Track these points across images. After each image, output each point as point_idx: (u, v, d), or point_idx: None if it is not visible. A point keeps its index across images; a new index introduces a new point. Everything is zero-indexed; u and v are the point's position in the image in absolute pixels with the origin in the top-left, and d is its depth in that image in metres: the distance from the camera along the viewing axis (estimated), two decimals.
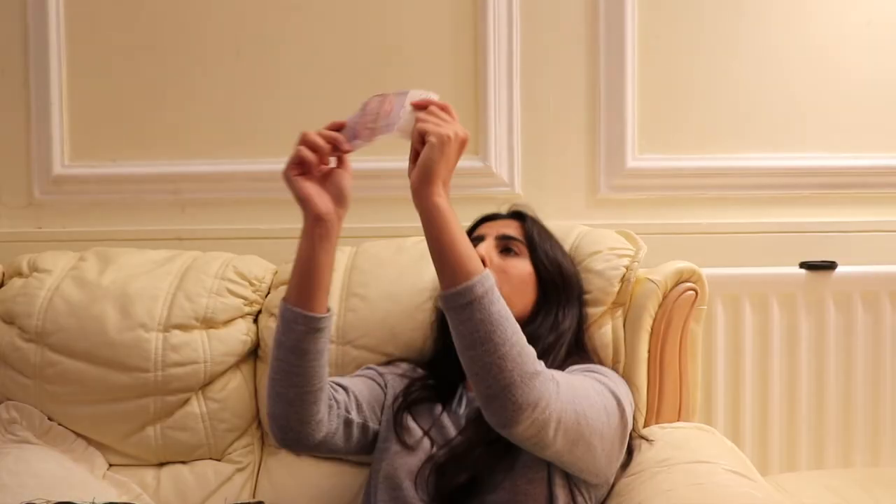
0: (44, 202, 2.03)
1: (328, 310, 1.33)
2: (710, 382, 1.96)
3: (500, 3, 1.98)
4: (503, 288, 1.44)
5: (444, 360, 1.51)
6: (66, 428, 1.70)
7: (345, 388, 1.44)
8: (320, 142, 1.29)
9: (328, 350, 1.35)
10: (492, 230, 1.55)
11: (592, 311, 1.61)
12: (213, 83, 2.02)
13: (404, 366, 1.59)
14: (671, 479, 1.37)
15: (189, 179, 2.02)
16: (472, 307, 1.18)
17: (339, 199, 1.33)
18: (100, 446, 1.71)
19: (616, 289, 1.62)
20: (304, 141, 1.29)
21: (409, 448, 1.40)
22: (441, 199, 1.23)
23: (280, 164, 1.99)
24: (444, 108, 1.27)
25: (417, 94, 1.29)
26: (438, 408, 1.46)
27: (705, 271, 1.68)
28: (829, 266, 1.98)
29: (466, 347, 1.19)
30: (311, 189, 1.30)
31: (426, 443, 1.41)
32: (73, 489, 1.49)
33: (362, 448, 1.47)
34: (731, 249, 2.00)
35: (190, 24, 2.01)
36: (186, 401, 1.69)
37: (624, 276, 1.62)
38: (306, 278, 1.31)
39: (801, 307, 1.97)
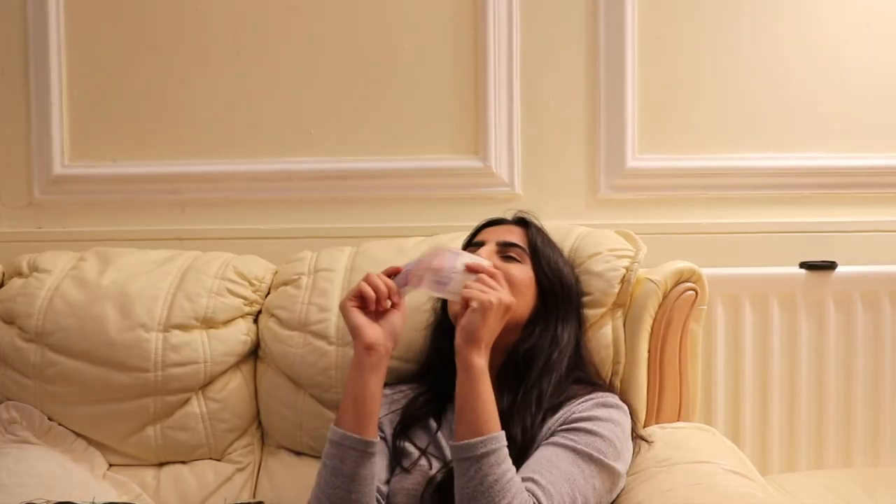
0: (44, 202, 2.03)
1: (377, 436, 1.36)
2: (710, 382, 1.96)
3: (500, 3, 1.97)
4: None
5: (439, 367, 1.50)
6: (66, 428, 1.70)
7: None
8: (381, 286, 1.36)
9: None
10: (494, 236, 1.54)
11: (592, 313, 1.61)
12: (213, 83, 2.02)
13: (394, 391, 1.56)
14: (671, 479, 1.37)
15: (189, 179, 2.02)
16: (480, 462, 1.23)
17: (390, 335, 1.37)
18: (100, 446, 1.71)
19: (616, 290, 1.62)
20: (368, 280, 1.37)
21: (407, 471, 1.40)
22: (480, 360, 1.30)
23: (280, 164, 2.02)
24: (493, 276, 1.35)
25: (470, 258, 1.39)
26: (433, 425, 1.46)
27: (705, 271, 1.68)
28: (829, 266, 1.98)
29: (464, 499, 1.24)
30: (364, 320, 1.35)
31: (424, 463, 1.40)
32: (73, 489, 1.49)
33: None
34: (731, 249, 1.99)
35: (190, 24, 2.01)
36: (186, 401, 1.69)
37: (624, 277, 1.62)
38: (360, 405, 1.33)
39: (801, 307, 1.97)
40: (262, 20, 2.01)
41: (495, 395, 1.41)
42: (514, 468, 1.26)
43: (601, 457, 1.32)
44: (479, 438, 1.24)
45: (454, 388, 1.41)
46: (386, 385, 1.53)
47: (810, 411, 1.98)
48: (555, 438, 1.34)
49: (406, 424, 1.47)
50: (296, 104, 2.02)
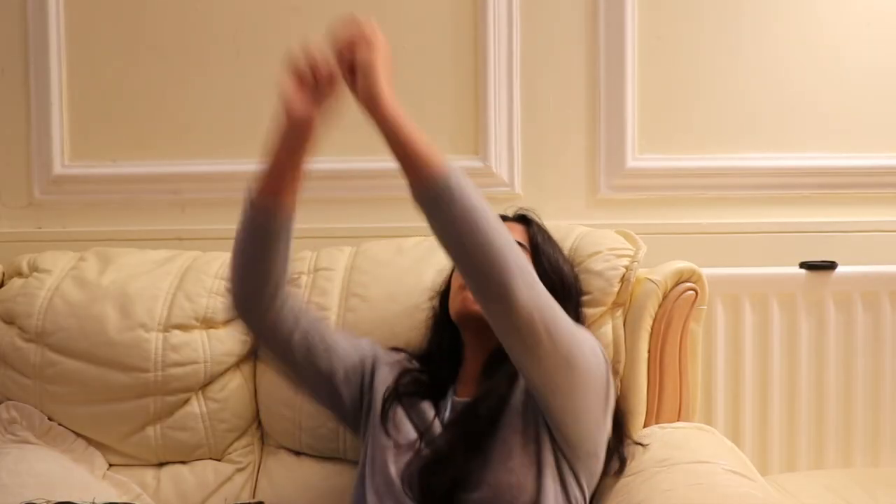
0: (44, 202, 2.03)
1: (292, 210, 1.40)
2: (710, 382, 1.96)
3: (500, 3, 1.97)
4: None
5: (438, 358, 1.51)
6: (66, 428, 1.70)
7: (313, 319, 1.48)
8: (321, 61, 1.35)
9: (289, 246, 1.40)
10: None
11: (592, 312, 1.61)
12: (213, 83, 2.02)
13: (402, 357, 1.57)
14: (671, 479, 1.37)
15: (189, 179, 2.02)
16: (446, 199, 1.22)
17: (321, 90, 1.37)
18: (100, 446, 1.71)
19: (616, 289, 1.62)
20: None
21: (398, 444, 1.41)
22: (393, 105, 1.29)
23: None
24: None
25: None
26: (429, 407, 1.45)
27: (705, 271, 1.68)
28: (829, 266, 1.98)
29: (450, 240, 1.23)
30: (298, 95, 1.37)
31: (414, 441, 1.40)
32: (73, 489, 1.49)
33: (317, 387, 1.51)
34: (731, 249, 1.99)
35: (190, 24, 2.01)
36: (186, 401, 1.69)
37: (623, 276, 1.62)
38: (282, 173, 1.39)
39: (801, 307, 1.97)
40: (262, 20, 2.01)
41: (477, 382, 1.45)
42: None
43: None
44: (448, 167, 1.24)
45: (451, 381, 1.44)
46: (400, 350, 1.58)
47: (810, 411, 1.98)
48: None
49: (402, 392, 1.47)
50: None
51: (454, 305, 1.47)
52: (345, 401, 1.51)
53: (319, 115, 1.36)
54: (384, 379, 1.50)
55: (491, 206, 1.24)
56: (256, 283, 1.40)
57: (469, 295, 1.41)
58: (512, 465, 1.33)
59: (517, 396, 1.39)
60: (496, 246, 1.21)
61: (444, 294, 1.58)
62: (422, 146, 1.26)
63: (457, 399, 1.46)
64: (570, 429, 1.35)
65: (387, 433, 1.42)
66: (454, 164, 1.24)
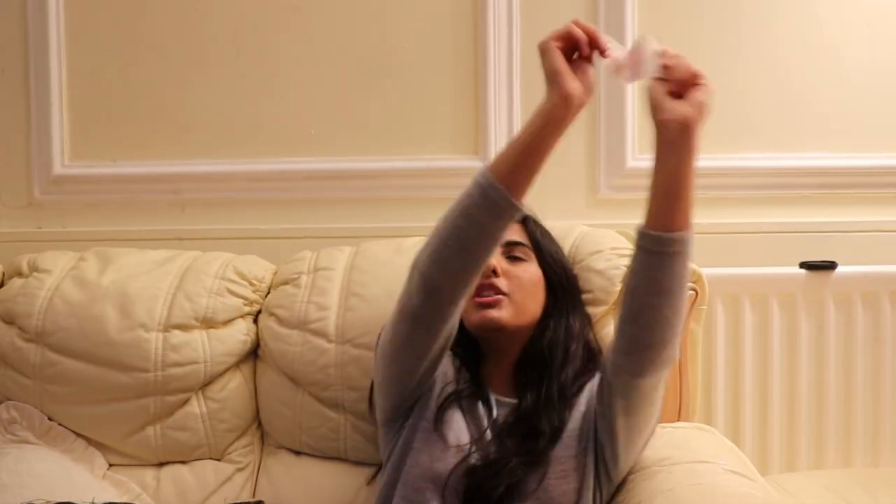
0: (44, 202, 2.03)
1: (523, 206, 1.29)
2: (710, 382, 1.96)
3: (500, 3, 1.97)
4: (517, 294, 1.44)
5: (462, 358, 1.48)
6: (66, 428, 1.70)
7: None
8: (592, 32, 1.23)
9: None
10: None
11: (594, 311, 1.61)
12: (213, 83, 2.02)
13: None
14: (671, 479, 1.37)
15: (189, 179, 2.02)
16: (680, 257, 1.21)
17: (588, 91, 1.24)
18: (100, 446, 1.71)
19: (617, 288, 1.62)
20: (578, 24, 1.24)
21: (447, 444, 1.36)
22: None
23: (280, 164, 2.02)
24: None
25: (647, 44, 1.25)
26: (482, 409, 1.42)
27: (705, 271, 1.68)
28: (829, 266, 1.98)
29: (655, 293, 1.21)
30: (566, 66, 1.23)
31: (466, 443, 1.37)
32: (73, 489, 1.49)
33: (427, 377, 1.41)
34: (731, 249, 1.99)
35: (190, 24, 2.01)
36: (186, 401, 1.69)
37: (625, 276, 1.62)
38: (527, 161, 1.26)
39: (801, 307, 1.97)
40: (262, 20, 2.01)
41: (514, 392, 1.43)
42: None
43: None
44: (692, 230, 1.23)
45: (480, 372, 1.44)
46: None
47: (810, 411, 1.98)
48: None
49: (460, 393, 1.42)
50: (296, 104, 2.02)
51: (471, 318, 1.44)
52: (417, 383, 1.43)
53: (587, 90, 1.24)
54: (443, 371, 1.44)
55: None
56: (466, 274, 1.29)
57: (490, 311, 1.41)
58: (562, 482, 1.33)
59: (576, 417, 1.38)
60: (680, 312, 1.25)
61: None
62: (691, 200, 1.25)
63: (500, 398, 1.43)
64: (630, 450, 1.36)
65: (437, 431, 1.38)
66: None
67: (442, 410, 1.40)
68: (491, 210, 1.24)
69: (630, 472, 1.42)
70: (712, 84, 1.23)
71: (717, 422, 1.94)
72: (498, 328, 1.42)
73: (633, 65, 1.23)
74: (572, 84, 1.22)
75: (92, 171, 2.03)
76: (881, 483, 1.83)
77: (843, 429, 1.98)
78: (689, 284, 1.63)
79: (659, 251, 1.20)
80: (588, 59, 1.25)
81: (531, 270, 1.49)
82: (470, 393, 1.43)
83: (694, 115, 1.21)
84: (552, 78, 1.23)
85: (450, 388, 1.43)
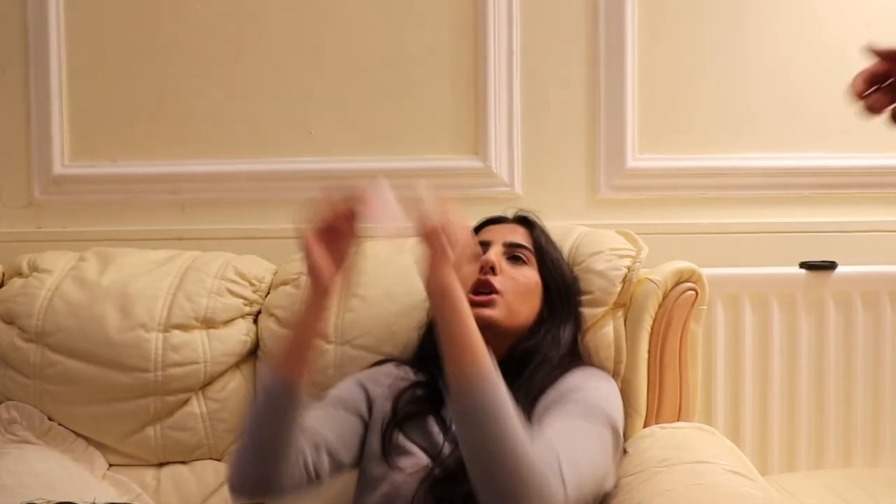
0: (44, 202, 2.03)
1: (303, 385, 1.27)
2: (710, 382, 1.96)
3: (500, 3, 1.97)
4: (510, 295, 1.44)
5: (431, 362, 1.46)
6: (66, 428, 1.70)
7: (315, 447, 1.35)
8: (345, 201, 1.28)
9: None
10: (498, 235, 1.53)
11: (594, 312, 1.60)
12: (213, 83, 2.02)
13: (392, 370, 1.52)
14: (671, 479, 1.37)
15: (189, 179, 2.02)
16: (464, 413, 1.17)
17: (341, 263, 1.28)
18: (100, 446, 1.71)
19: (618, 289, 1.62)
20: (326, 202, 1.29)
21: (407, 471, 1.35)
22: (454, 283, 1.21)
23: (280, 164, 2.02)
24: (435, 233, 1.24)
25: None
26: (435, 424, 1.41)
27: (705, 271, 1.68)
28: (829, 266, 1.98)
29: (465, 448, 1.18)
30: (325, 260, 1.26)
31: (420, 460, 1.36)
32: (73, 489, 1.49)
33: (333, 475, 1.39)
34: (731, 249, 1.99)
35: (190, 25, 2.01)
36: (186, 401, 1.69)
37: (626, 276, 1.62)
38: (304, 348, 1.26)
39: (801, 307, 1.97)
40: (262, 20, 2.01)
41: None
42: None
43: (599, 399, 1.35)
44: (490, 381, 1.17)
45: (435, 399, 1.41)
46: (385, 362, 1.54)
47: (810, 411, 1.98)
48: (556, 411, 1.32)
49: (401, 418, 1.42)
50: (296, 104, 2.02)
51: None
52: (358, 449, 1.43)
53: (343, 270, 1.28)
54: (381, 406, 1.44)
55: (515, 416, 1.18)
56: (275, 464, 1.27)
57: (483, 310, 1.40)
58: None
59: (532, 420, 1.36)
60: (520, 460, 1.15)
61: None
62: (477, 343, 1.20)
63: None
64: None
65: (391, 463, 1.36)
66: (495, 375, 1.19)
67: (389, 438, 1.39)
68: (272, 397, 1.25)
69: (630, 473, 1.42)
70: (432, 227, 1.22)
71: (717, 422, 1.94)
72: (487, 325, 1.39)
73: (377, 215, 1.28)
74: (329, 278, 1.25)
75: (92, 171, 2.03)
76: (881, 483, 1.83)
77: (843, 429, 1.98)
78: (689, 284, 1.65)
79: (457, 400, 1.18)
80: (345, 234, 1.28)
81: (529, 275, 1.49)
82: (416, 412, 1.41)
83: (434, 280, 1.20)
84: (312, 275, 1.26)
85: (386, 418, 1.41)
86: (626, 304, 1.64)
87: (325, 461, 1.34)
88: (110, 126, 2.03)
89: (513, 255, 1.50)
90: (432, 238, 1.22)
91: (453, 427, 1.39)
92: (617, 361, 1.62)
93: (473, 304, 1.40)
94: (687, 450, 1.49)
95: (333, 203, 1.28)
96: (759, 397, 1.97)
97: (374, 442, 1.40)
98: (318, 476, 1.33)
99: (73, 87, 2.02)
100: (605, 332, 1.61)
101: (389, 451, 1.38)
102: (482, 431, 1.16)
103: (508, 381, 1.38)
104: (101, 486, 1.61)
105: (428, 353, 1.50)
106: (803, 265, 1.98)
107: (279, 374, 1.25)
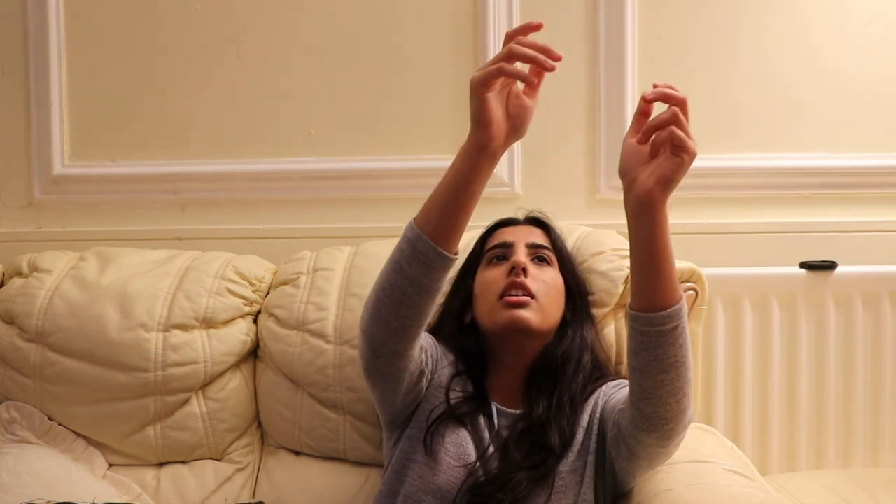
0: (44, 202, 2.03)
1: (456, 252, 1.24)
2: (710, 382, 1.96)
3: (500, 3, 1.97)
4: (543, 298, 1.42)
5: (468, 365, 1.46)
6: (66, 428, 1.70)
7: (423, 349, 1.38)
8: (533, 55, 1.14)
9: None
10: (518, 237, 1.50)
11: (597, 313, 1.61)
12: (213, 83, 2.02)
13: (450, 356, 1.49)
14: (671, 479, 1.37)
15: (189, 179, 2.02)
16: (677, 330, 1.16)
17: (518, 128, 1.19)
18: (100, 446, 1.71)
19: (620, 290, 1.62)
20: (515, 54, 1.14)
21: (450, 462, 1.35)
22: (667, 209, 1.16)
23: (280, 164, 2.02)
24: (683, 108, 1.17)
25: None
26: (483, 423, 1.40)
27: (705, 271, 1.68)
28: (829, 266, 1.98)
29: (660, 371, 1.18)
30: (499, 113, 1.16)
31: (472, 460, 1.36)
32: (74, 489, 1.49)
33: (412, 395, 1.40)
34: (731, 249, 1.99)
35: (190, 25, 2.01)
36: (186, 401, 1.69)
37: (628, 277, 1.62)
38: (454, 210, 1.20)
39: (801, 307, 1.97)
40: (262, 20, 2.01)
41: (519, 402, 1.42)
42: None
43: None
44: (683, 301, 1.17)
45: (487, 390, 1.42)
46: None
47: (810, 411, 1.98)
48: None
49: (452, 411, 1.40)
50: (296, 104, 2.02)
51: (497, 318, 1.41)
52: (403, 402, 1.42)
53: (513, 133, 1.20)
54: (437, 381, 1.44)
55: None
56: (407, 325, 1.27)
57: (520, 311, 1.39)
58: (562, 497, 1.33)
59: (580, 430, 1.38)
60: (690, 377, 1.21)
61: (462, 300, 1.52)
62: (673, 271, 1.17)
63: (504, 409, 1.42)
64: (635, 476, 1.36)
65: (434, 450, 1.36)
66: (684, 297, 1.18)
67: (438, 427, 1.38)
68: (422, 264, 1.21)
69: None
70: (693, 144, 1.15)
71: (717, 422, 1.94)
72: (526, 329, 1.40)
73: None
74: (499, 135, 1.18)
75: (92, 171, 2.03)
76: (881, 483, 1.83)
77: (843, 429, 1.98)
78: (689, 284, 1.65)
79: (654, 331, 1.17)
80: (532, 85, 1.19)
81: (555, 276, 1.48)
82: (468, 409, 1.41)
83: (660, 187, 1.16)
84: (479, 126, 1.17)
85: (442, 406, 1.40)
86: (627, 305, 1.64)
87: (426, 365, 1.37)
88: (110, 126, 2.03)
89: (537, 255, 1.48)
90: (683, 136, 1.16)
91: (496, 423, 1.40)
92: (618, 362, 1.62)
93: (508, 306, 1.40)
94: (687, 449, 1.49)
95: (527, 41, 1.14)
96: (759, 397, 1.98)
97: (422, 418, 1.40)
98: (420, 371, 1.35)
99: (73, 87, 2.02)
100: (606, 332, 1.61)
101: (437, 435, 1.37)
102: (682, 352, 1.17)
103: (547, 389, 1.40)
104: (101, 486, 1.61)
105: (462, 358, 1.48)
106: (803, 265, 1.98)
107: (434, 238, 1.20)
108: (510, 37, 1.15)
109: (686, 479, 1.37)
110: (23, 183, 2.03)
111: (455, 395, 1.42)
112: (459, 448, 1.37)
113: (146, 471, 1.70)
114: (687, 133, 1.16)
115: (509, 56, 1.14)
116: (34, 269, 1.78)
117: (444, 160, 1.99)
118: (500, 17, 1.98)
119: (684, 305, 1.18)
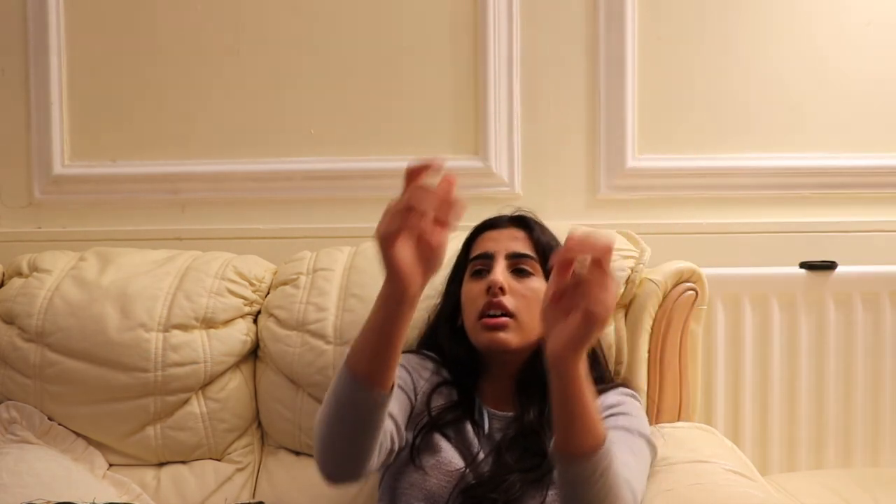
0: (44, 202, 2.03)
1: (393, 385, 1.20)
2: (710, 382, 1.96)
3: (500, 3, 1.97)
4: (524, 315, 1.40)
5: (457, 369, 1.46)
6: (66, 428, 1.70)
7: (393, 419, 1.33)
8: (432, 210, 1.08)
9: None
10: (499, 246, 1.46)
11: None
12: (213, 83, 2.02)
13: (430, 365, 1.48)
14: (671, 479, 1.37)
15: (189, 179, 2.02)
16: (598, 475, 1.12)
17: (433, 266, 1.13)
18: (100, 446, 1.71)
19: (621, 290, 1.62)
20: (415, 207, 1.08)
21: (440, 470, 1.35)
22: (582, 367, 1.10)
23: (280, 164, 2.02)
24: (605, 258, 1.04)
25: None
26: (469, 429, 1.40)
27: (705, 271, 1.68)
28: (829, 266, 1.98)
29: None
30: (409, 262, 1.11)
31: (460, 467, 1.35)
32: (74, 489, 1.49)
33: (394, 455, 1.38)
34: (731, 249, 1.99)
35: (190, 25, 2.01)
36: (186, 401, 1.69)
37: (629, 277, 1.62)
38: (385, 351, 1.16)
39: (801, 307, 1.97)
40: (262, 20, 2.01)
41: (511, 405, 1.41)
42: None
43: (646, 433, 1.36)
44: (606, 446, 1.13)
45: (476, 391, 1.41)
46: (413, 352, 1.50)
47: (810, 411, 1.98)
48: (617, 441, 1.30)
49: (436, 419, 1.40)
50: (296, 104, 2.02)
51: (478, 338, 1.41)
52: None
53: (430, 271, 1.14)
54: (422, 400, 1.43)
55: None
56: (359, 458, 1.24)
57: (498, 334, 1.38)
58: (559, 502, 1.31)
59: None
60: None
61: (451, 306, 1.52)
62: (592, 421, 1.12)
63: (495, 412, 1.42)
64: None
65: (421, 463, 1.36)
66: (609, 440, 1.14)
67: (423, 440, 1.37)
68: (360, 405, 1.18)
69: None
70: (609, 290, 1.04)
71: (717, 422, 1.94)
72: (505, 350, 1.40)
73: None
74: (416, 281, 1.12)
75: (92, 171, 2.03)
76: (881, 483, 1.83)
77: (843, 429, 1.98)
78: (689, 284, 1.65)
79: (577, 477, 1.13)
80: (439, 226, 1.10)
81: (537, 286, 1.42)
82: (452, 417, 1.40)
83: (569, 350, 1.08)
84: (393, 276, 1.12)
85: (425, 418, 1.39)
86: (627, 305, 1.65)
87: (399, 435, 1.34)
88: (110, 126, 2.03)
89: (517, 267, 1.44)
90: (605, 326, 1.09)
91: (486, 425, 1.40)
92: (618, 362, 1.62)
93: (486, 328, 1.39)
94: (687, 449, 1.50)
95: (428, 191, 1.08)
96: (759, 397, 1.98)
97: (411, 433, 1.39)
98: (395, 448, 1.32)
99: (73, 87, 2.02)
100: (606, 332, 1.61)
101: (417, 452, 1.37)
102: (607, 491, 1.13)
103: (537, 395, 1.38)
104: (101, 486, 1.61)
105: (452, 362, 1.48)
106: (803, 265, 1.98)
107: (365, 384, 1.16)
108: (410, 176, 1.09)
109: (686, 479, 1.37)
110: (23, 183, 2.03)
111: (436, 406, 1.41)
112: (445, 457, 1.37)
113: (146, 471, 1.70)
114: (606, 297, 1.04)
115: (408, 208, 1.08)
116: (34, 269, 1.78)
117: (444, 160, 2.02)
118: (500, 17, 1.98)
119: (608, 449, 1.12)
